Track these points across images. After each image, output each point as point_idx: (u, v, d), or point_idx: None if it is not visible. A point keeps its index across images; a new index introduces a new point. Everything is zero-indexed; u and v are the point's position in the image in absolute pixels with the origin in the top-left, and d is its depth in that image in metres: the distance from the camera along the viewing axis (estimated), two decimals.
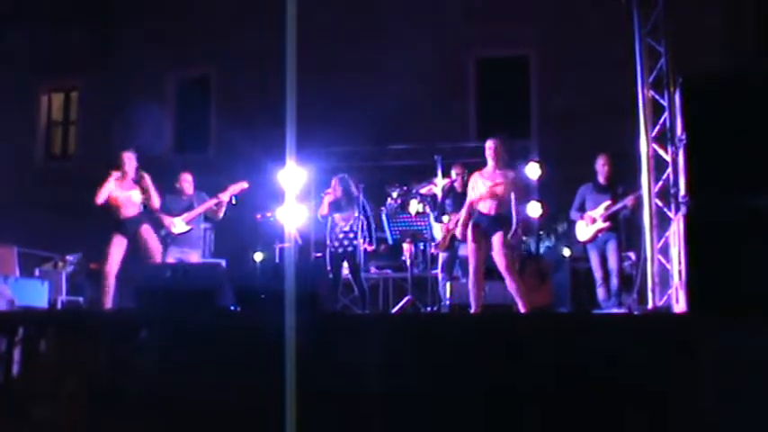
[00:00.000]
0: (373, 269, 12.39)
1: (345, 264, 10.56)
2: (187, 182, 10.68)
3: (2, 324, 7.15)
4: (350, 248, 10.45)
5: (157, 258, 9.71)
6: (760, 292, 5.94)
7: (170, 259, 10.17)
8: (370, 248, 10.92)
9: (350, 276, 10.57)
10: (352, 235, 10.47)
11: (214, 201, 10.44)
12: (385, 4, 15.63)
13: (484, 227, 8.67)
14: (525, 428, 5.98)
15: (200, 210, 10.45)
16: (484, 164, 8.93)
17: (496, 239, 8.56)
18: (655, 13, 9.10)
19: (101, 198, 9.70)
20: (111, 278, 9.64)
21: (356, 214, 10.53)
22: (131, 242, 9.69)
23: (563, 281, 11.12)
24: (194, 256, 10.51)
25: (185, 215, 10.38)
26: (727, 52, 13.59)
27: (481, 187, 8.81)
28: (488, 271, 9.30)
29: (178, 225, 10.32)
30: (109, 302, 9.59)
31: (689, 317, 6.26)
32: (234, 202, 10.53)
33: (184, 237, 10.42)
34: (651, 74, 9.08)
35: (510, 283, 8.54)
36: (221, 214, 10.59)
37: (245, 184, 10.51)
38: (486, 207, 8.73)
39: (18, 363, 7.00)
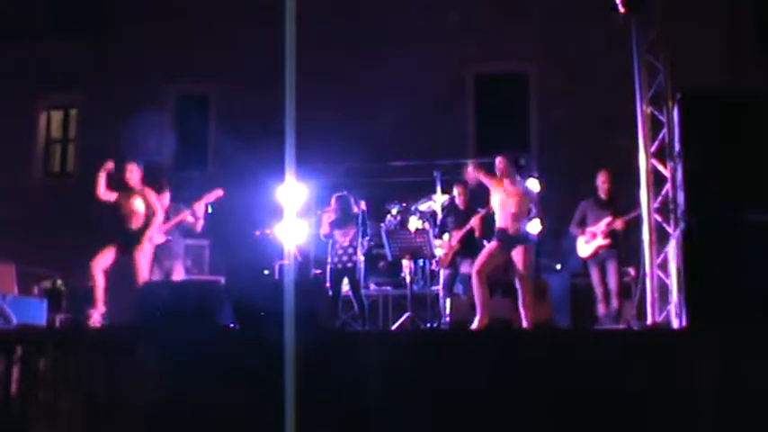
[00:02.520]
0: (373, 286, 12.35)
1: (345, 280, 10.52)
2: (163, 193, 10.69)
3: (0, 343, 7.13)
4: (349, 264, 10.43)
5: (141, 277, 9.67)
6: (760, 305, 5.95)
7: (157, 274, 10.17)
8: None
9: (350, 293, 10.54)
10: (351, 251, 10.45)
11: (188, 212, 10.43)
12: (384, 22, 15.65)
13: (507, 242, 8.71)
14: None
15: (175, 220, 10.43)
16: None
17: (520, 253, 8.64)
18: (653, 29, 9.11)
19: (100, 189, 9.84)
20: (96, 271, 9.60)
21: (355, 230, 10.53)
22: (124, 256, 9.70)
23: (561, 296, 11.09)
24: (177, 268, 10.49)
25: (161, 226, 10.35)
26: (725, 68, 13.61)
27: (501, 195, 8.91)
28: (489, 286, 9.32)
29: (156, 237, 10.29)
30: (100, 302, 9.55)
31: (689, 332, 6.26)
32: (210, 210, 10.50)
33: (164, 250, 10.39)
34: (650, 90, 9.08)
35: (523, 295, 8.58)
36: (200, 226, 10.56)
37: (219, 192, 10.46)
38: (508, 223, 8.78)
39: (17, 381, 6.98)
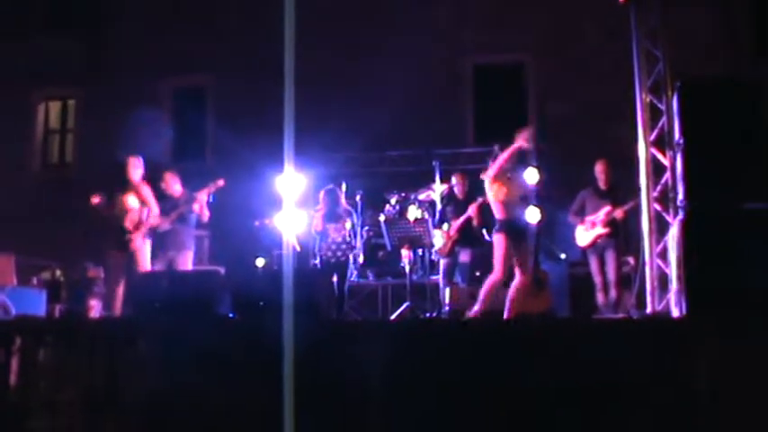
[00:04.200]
0: (372, 276, 12.36)
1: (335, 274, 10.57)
2: (173, 180, 10.68)
3: None
4: (342, 259, 10.50)
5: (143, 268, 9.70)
6: (758, 293, 5.94)
7: (160, 263, 10.17)
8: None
9: (335, 283, 10.56)
10: (344, 246, 10.51)
11: (194, 201, 10.43)
12: (382, 12, 15.63)
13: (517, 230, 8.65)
14: None
15: (180, 210, 10.43)
16: (482, 170, 8.94)
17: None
18: (652, 17, 9.09)
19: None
20: (117, 295, 9.69)
21: (348, 225, 10.57)
22: (125, 252, 9.74)
23: (561, 286, 11.08)
24: (185, 257, 10.47)
25: (171, 215, 10.37)
26: (723, 57, 13.59)
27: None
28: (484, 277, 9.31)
29: (162, 225, 10.31)
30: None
31: (688, 320, 6.26)
32: (211, 200, 10.50)
33: (172, 239, 10.38)
34: (649, 78, 9.06)
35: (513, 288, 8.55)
36: (206, 216, 10.55)
37: (220, 182, 10.46)
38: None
39: (16, 372, 6.98)
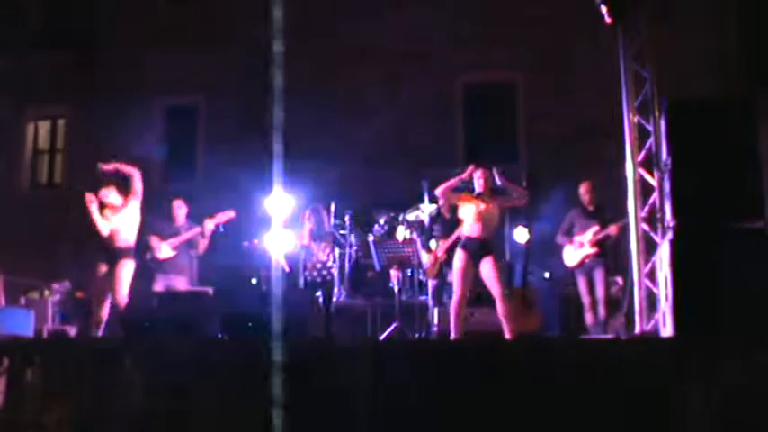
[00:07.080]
0: (360, 296, 12.32)
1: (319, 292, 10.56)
2: (180, 209, 10.70)
3: None
4: (328, 278, 10.48)
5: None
6: (747, 312, 5.96)
7: (158, 287, 10.17)
8: None
9: (321, 302, 10.55)
10: (330, 265, 10.49)
11: (199, 230, 10.43)
12: (372, 31, 15.67)
13: (471, 251, 8.67)
14: None
15: (185, 237, 10.45)
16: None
17: (488, 264, 8.60)
18: (640, 38, 9.13)
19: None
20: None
21: (328, 250, 10.58)
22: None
23: (551, 306, 11.08)
24: (181, 283, 10.51)
25: (171, 240, 10.38)
26: (711, 77, 13.65)
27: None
28: (477, 297, 9.31)
29: (164, 250, 10.32)
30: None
31: (676, 340, 6.27)
32: (221, 230, 10.51)
33: (171, 264, 10.43)
34: (636, 99, 9.09)
35: (501, 307, 8.53)
36: (204, 246, 10.58)
37: (231, 214, 10.49)
38: (475, 231, 8.75)
39: (3, 393, 6.95)
